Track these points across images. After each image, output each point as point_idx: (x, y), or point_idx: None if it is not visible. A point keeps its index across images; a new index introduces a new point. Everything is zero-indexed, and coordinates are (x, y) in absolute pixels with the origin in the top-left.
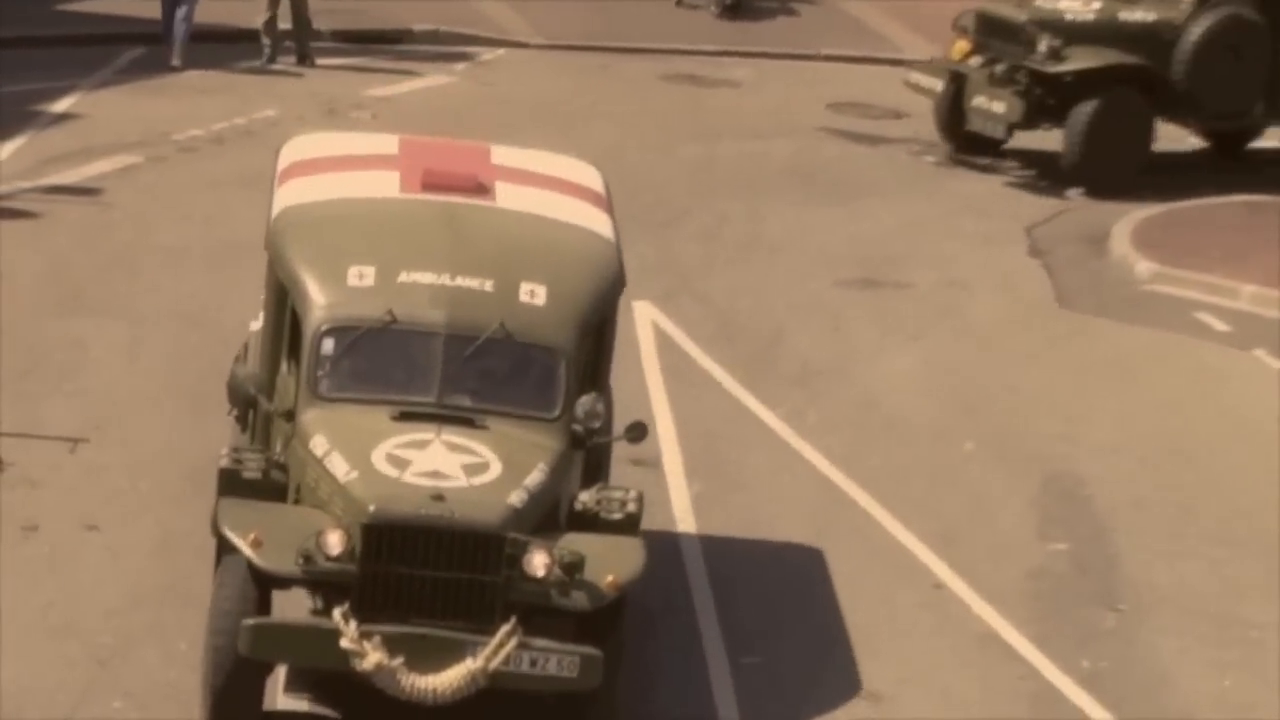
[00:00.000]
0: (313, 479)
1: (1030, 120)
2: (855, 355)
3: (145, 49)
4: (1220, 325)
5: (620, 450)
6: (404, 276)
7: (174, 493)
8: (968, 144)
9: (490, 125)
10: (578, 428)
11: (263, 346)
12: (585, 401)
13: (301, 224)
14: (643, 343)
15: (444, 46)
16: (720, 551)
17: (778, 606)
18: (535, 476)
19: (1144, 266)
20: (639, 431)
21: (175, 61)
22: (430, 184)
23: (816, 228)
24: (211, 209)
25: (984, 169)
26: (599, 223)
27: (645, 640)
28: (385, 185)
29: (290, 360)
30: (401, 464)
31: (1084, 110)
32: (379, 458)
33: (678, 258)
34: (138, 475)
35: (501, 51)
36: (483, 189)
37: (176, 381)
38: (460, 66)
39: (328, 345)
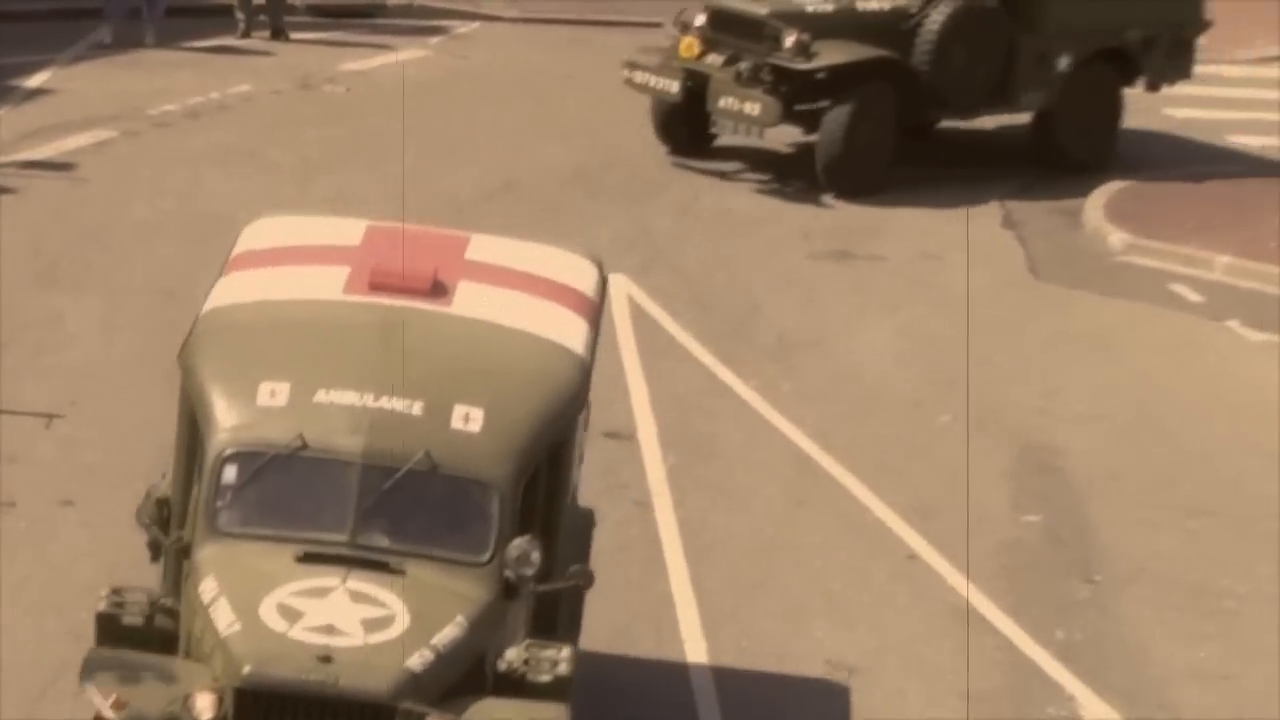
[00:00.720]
0: (199, 628)
1: (785, 120)
2: (830, 328)
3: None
4: (1194, 296)
5: (596, 423)
6: (321, 395)
7: (150, 467)
8: (687, 146)
9: (463, 99)
10: (509, 574)
11: (175, 472)
12: (518, 544)
13: (220, 330)
14: (618, 316)
15: (418, 20)
16: (694, 523)
17: (752, 577)
18: (448, 633)
19: (1118, 238)
20: (584, 579)
21: (150, 40)
22: (377, 285)
23: (790, 202)
24: (186, 183)
25: (957, 138)
26: (570, 333)
27: (616, 613)
28: (328, 285)
29: (197, 488)
30: (293, 616)
31: (841, 110)
32: (268, 608)
33: (653, 231)
34: (113, 450)
35: (476, 25)
36: (438, 291)
37: (152, 356)
38: (435, 40)
39: (229, 473)
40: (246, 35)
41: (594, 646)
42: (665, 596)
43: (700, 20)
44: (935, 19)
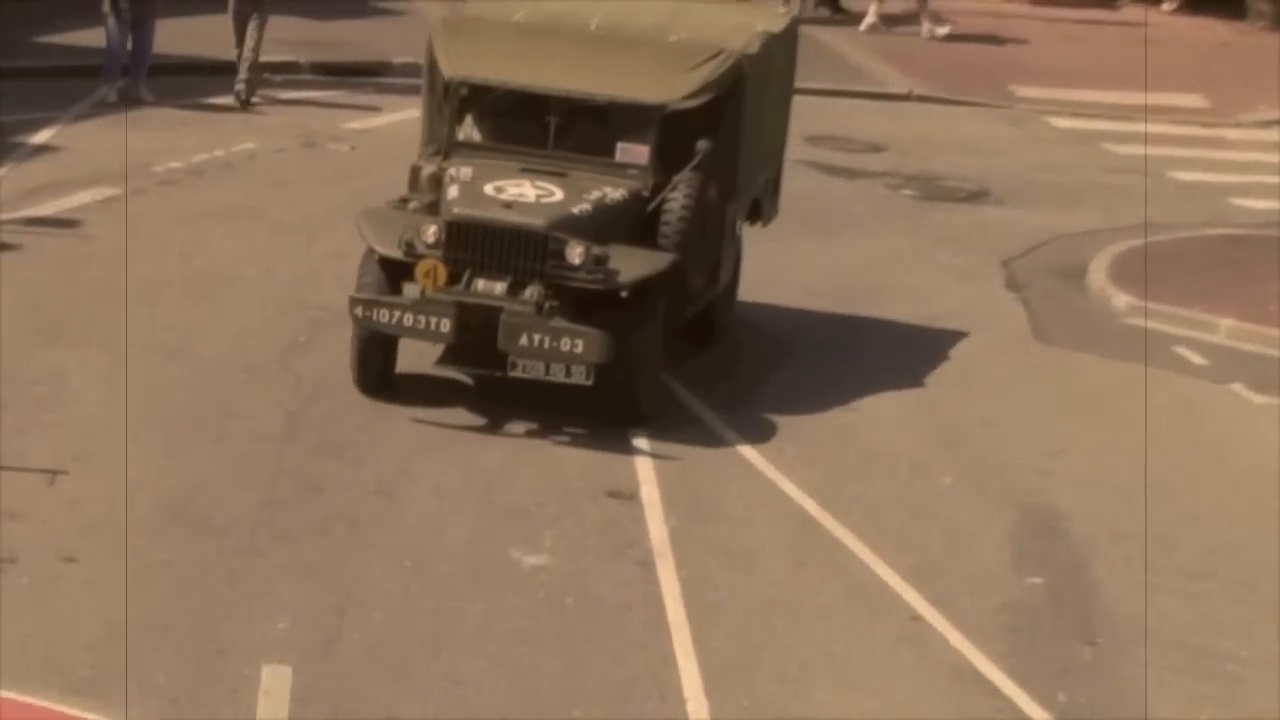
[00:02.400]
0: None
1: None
2: (832, 389)
3: (124, 81)
4: (1198, 359)
5: (596, 482)
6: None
7: (152, 525)
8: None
9: None
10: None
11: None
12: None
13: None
14: None
15: (422, 79)
16: (697, 584)
17: (754, 638)
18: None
19: (1121, 300)
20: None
21: (149, 96)
22: None
23: (794, 260)
24: (190, 241)
25: (962, 200)
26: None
27: (618, 673)
28: None
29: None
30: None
31: (650, 330)
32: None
33: None
34: (116, 507)
35: None
36: None
37: (155, 413)
38: None
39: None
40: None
41: (595, 706)
42: (668, 657)
43: (432, 236)
44: (678, 202)
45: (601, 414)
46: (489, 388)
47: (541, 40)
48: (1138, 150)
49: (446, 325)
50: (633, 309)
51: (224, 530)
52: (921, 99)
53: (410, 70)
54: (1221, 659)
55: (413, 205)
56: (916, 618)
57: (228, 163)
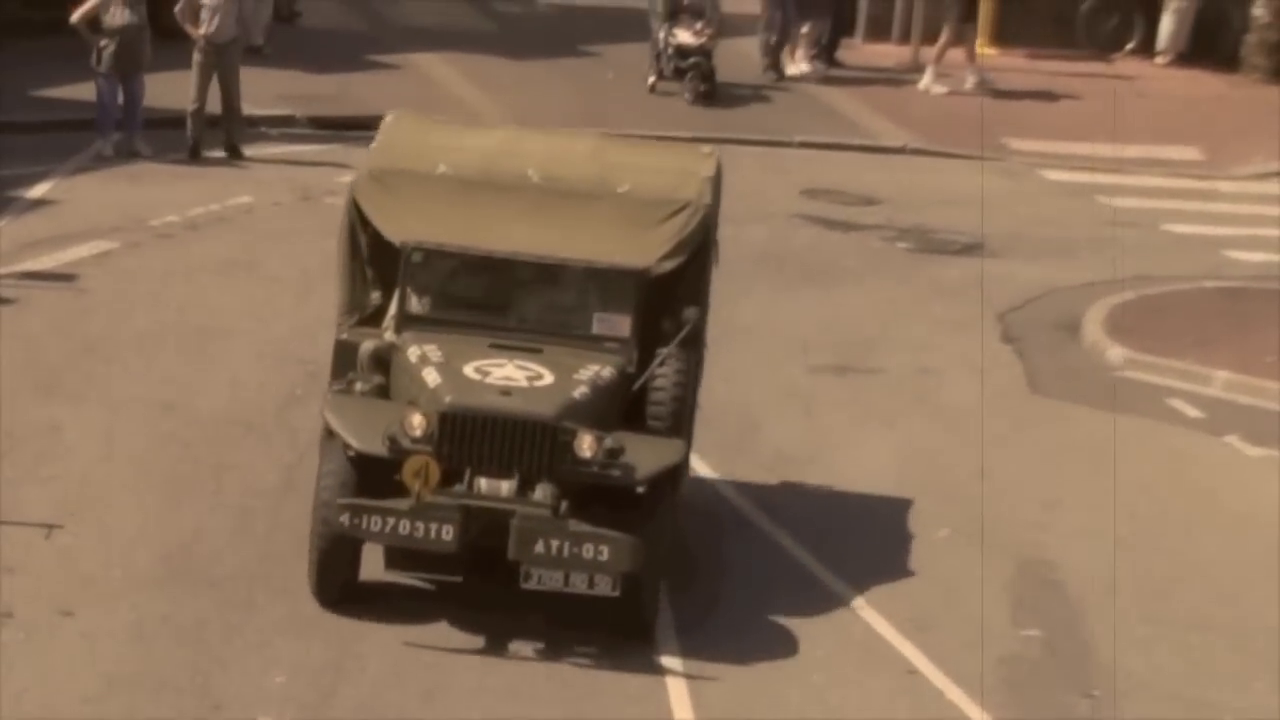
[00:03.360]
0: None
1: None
2: (829, 441)
3: (120, 134)
4: (1193, 412)
5: None
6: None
7: (149, 578)
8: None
9: None
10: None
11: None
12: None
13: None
14: None
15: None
16: (694, 637)
17: (751, 691)
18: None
19: (1116, 353)
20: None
21: (145, 149)
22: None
23: (789, 313)
24: (186, 295)
25: (957, 253)
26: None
27: None
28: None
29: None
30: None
31: (662, 521)
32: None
33: None
34: (112, 561)
35: None
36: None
37: (151, 467)
38: None
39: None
40: (196, 155)
41: None
42: (665, 711)
43: (420, 429)
44: (670, 379)
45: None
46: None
47: (482, 196)
48: (1132, 203)
49: (450, 532)
50: (644, 506)
51: (221, 584)
52: (916, 152)
53: None
54: (1217, 710)
55: (359, 388)
56: (913, 671)
57: (224, 216)
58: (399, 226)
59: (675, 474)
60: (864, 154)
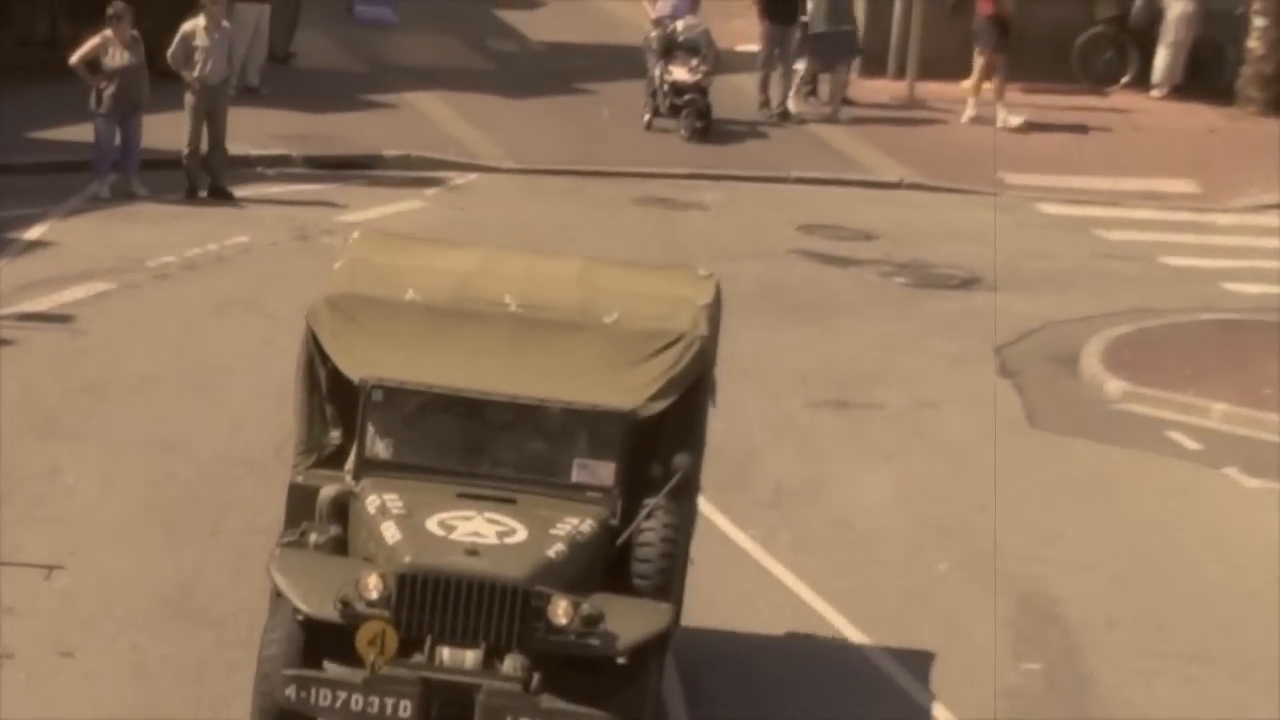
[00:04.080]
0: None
1: None
2: (828, 476)
3: (116, 175)
4: (1192, 444)
5: None
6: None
7: (149, 618)
8: None
9: None
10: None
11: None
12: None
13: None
14: None
15: (416, 172)
16: (695, 672)
17: None
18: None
19: (1114, 386)
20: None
21: (141, 190)
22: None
23: (788, 348)
24: (184, 335)
25: (955, 287)
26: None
27: None
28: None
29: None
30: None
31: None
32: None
33: None
34: (112, 601)
35: (473, 176)
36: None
37: (150, 507)
38: (431, 191)
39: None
40: (193, 196)
41: None
42: None
43: (376, 591)
44: (657, 534)
45: None
46: None
47: (454, 326)
48: (1129, 236)
49: (408, 709)
50: (624, 676)
51: (222, 623)
52: (912, 186)
53: (404, 163)
54: None
55: (314, 539)
56: (914, 704)
57: (221, 256)
58: (359, 361)
59: (662, 640)
60: (861, 189)
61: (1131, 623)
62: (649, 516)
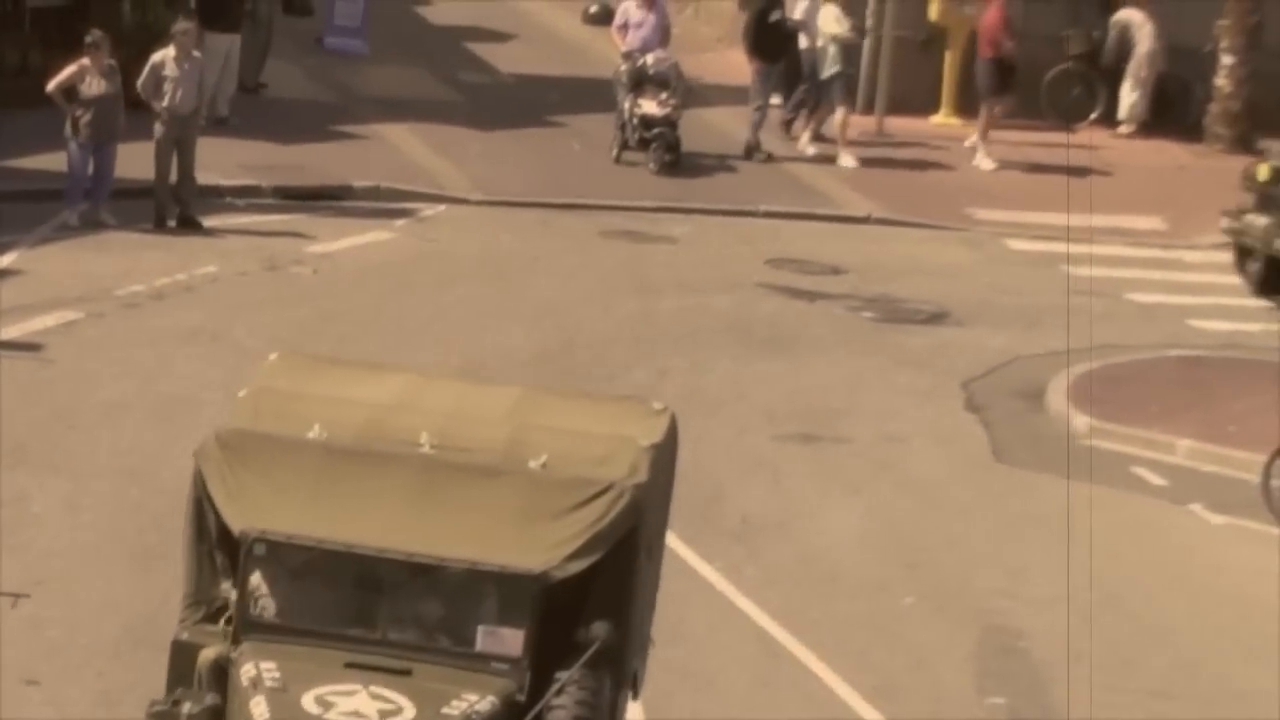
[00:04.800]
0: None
1: None
2: (794, 509)
3: (86, 204)
4: (1157, 480)
5: None
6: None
7: (115, 648)
8: None
9: (430, 282)
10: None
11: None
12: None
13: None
14: None
15: (385, 203)
16: (660, 705)
17: None
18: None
19: (1080, 422)
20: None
21: (110, 219)
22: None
23: (755, 382)
24: (152, 364)
25: (922, 322)
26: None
27: None
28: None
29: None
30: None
31: None
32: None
33: None
34: (78, 630)
35: (442, 207)
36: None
37: (117, 536)
38: (400, 223)
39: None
40: (162, 225)
41: None
42: None
43: None
44: (569, 712)
45: None
46: None
47: (358, 469)
48: (1096, 272)
49: None
50: None
51: None
52: (880, 221)
53: (373, 194)
54: None
55: (187, 710)
56: None
57: (190, 285)
58: (244, 509)
59: None
60: (829, 224)
61: (1095, 657)
62: (560, 693)
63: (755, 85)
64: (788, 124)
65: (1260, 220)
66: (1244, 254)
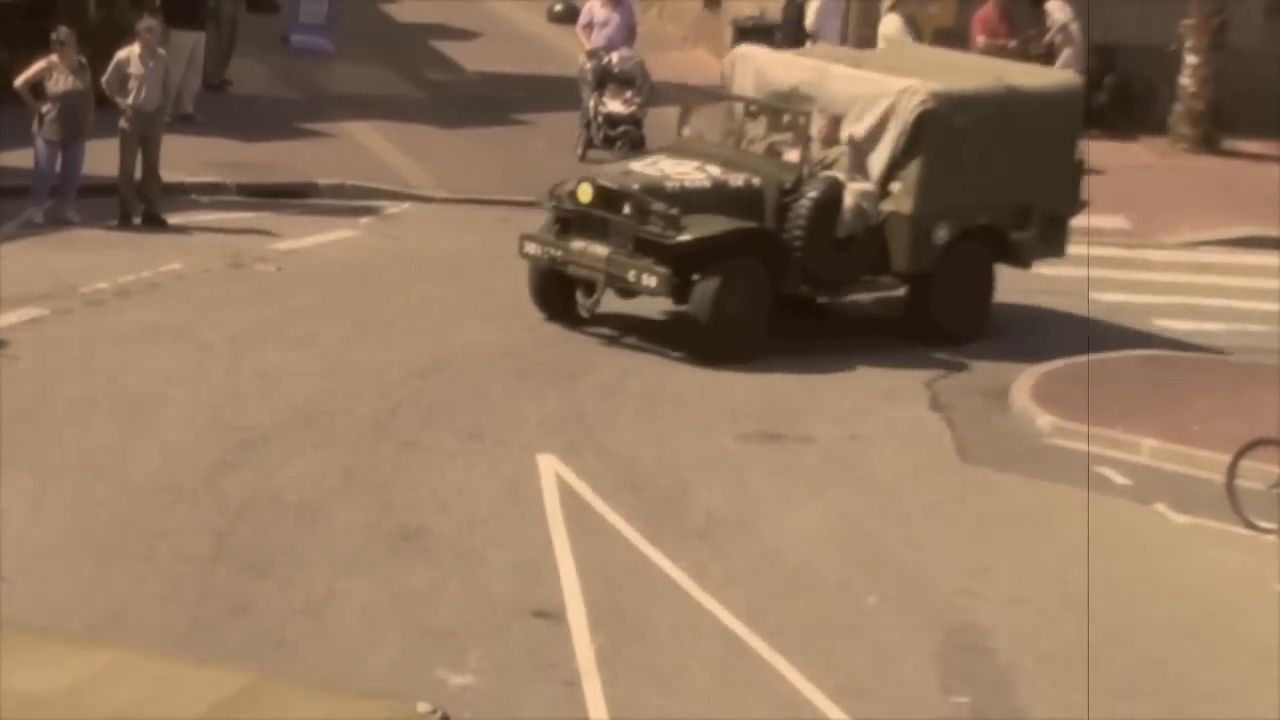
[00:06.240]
0: None
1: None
2: (758, 509)
3: (51, 202)
4: (1121, 479)
5: (522, 601)
6: None
7: None
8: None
9: (394, 279)
10: None
11: None
12: None
13: None
14: (546, 495)
15: (349, 200)
16: (624, 703)
17: None
18: None
19: (1045, 421)
20: None
21: (75, 217)
22: None
23: (718, 381)
24: (117, 362)
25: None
26: None
27: None
28: None
29: None
30: None
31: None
32: None
33: (581, 411)
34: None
35: (406, 205)
36: None
37: (82, 533)
38: (365, 220)
39: None
40: (127, 222)
41: None
42: None
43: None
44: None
45: None
46: (413, 498)
47: None
48: (1060, 271)
49: None
50: None
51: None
52: None
53: (338, 192)
54: None
55: None
56: None
57: (154, 283)
58: None
59: None
60: None
61: (1060, 657)
62: None
63: None
64: None
65: (580, 244)
66: (549, 279)
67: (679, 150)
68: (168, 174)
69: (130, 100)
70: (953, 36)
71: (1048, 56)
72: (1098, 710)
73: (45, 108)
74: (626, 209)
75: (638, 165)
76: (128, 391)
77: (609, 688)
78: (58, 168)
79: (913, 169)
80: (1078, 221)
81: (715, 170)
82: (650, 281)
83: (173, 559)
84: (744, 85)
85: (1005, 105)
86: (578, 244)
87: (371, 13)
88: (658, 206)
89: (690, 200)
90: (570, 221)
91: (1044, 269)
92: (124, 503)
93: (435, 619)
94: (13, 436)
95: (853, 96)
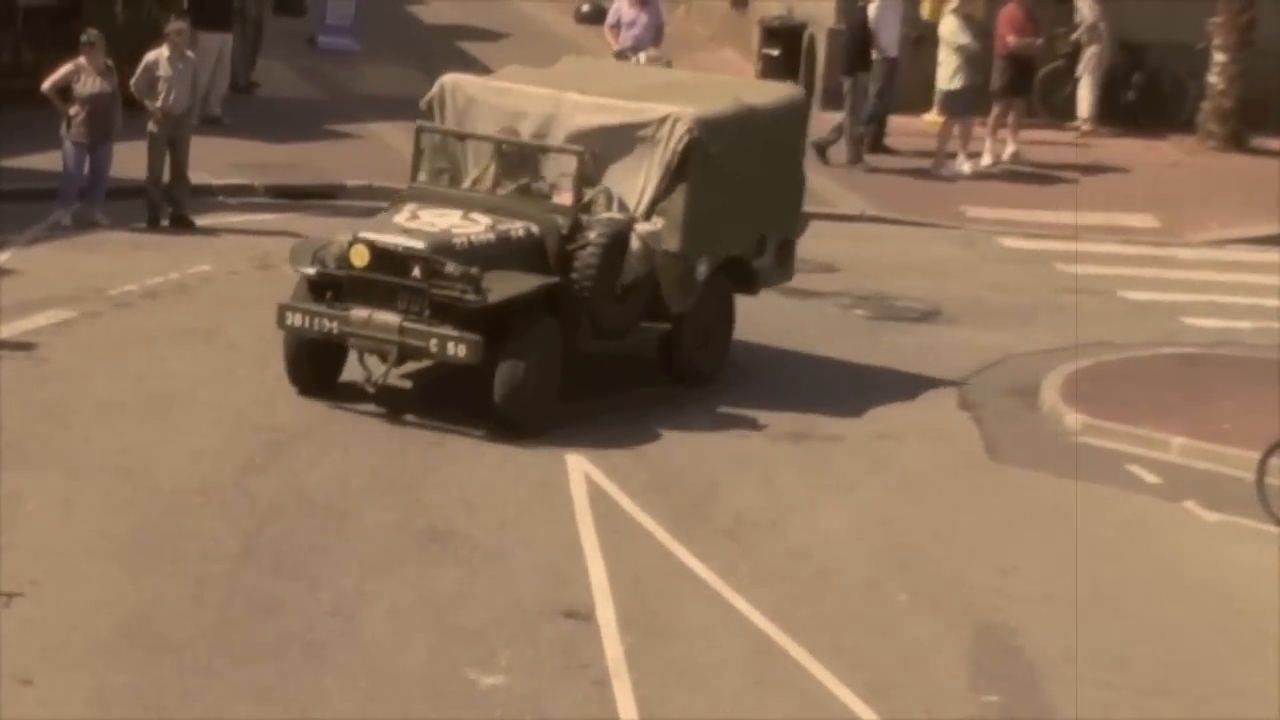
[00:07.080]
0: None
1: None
2: (787, 508)
3: (80, 204)
4: (1151, 477)
5: (552, 601)
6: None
7: (108, 646)
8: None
9: None
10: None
11: None
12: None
13: None
14: (575, 495)
15: (377, 201)
16: (653, 703)
17: None
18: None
19: (1074, 419)
20: None
21: (103, 219)
22: None
23: (747, 379)
24: (145, 363)
25: (915, 320)
26: None
27: None
28: None
29: None
30: (410, 219)
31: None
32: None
33: (610, 412)
34: (73, 629)
35: None
36: None
37: (110, 535)
38: None
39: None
40: (155, 224)
41: None
42: None
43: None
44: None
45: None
46: (442, 498)
47: None
48: (1090, 270)
49: None
50: None
51: (180, 651)
52: (873, 219)
53: (365, 193)
54: None
55: None
56: None
57: (183, 285)
58: None
59: None
60: (821, 221)
61: (1090, 655)
62: None
63: (852, 97)
64: (860, 140)
65: (361, 312)
66: (305, 349)
67: (426, 197)
68: (195, 176)
69: (159, 103)
70: (985, 35)
71: (1074, 54)
72: (1127, 708)
73: (73, 110)
74: (416, 271)
75: (402, 220)
76: (156, 393)
77: (638, 687)
78: (86, 170)
79: (678, 203)
80: (1103, 218)
81: (487, 220)
82: (459, 350)
83: (201, 560)
84: (454, 118)
85: (748, 128)
86: (359, 312)
87: (398, 14)
88: (451, 268)
89: (480, 256)
90: (341, 287)
91: (1072, 267)
92: (152, 504)
93: (464, 619)
94: (41, 438)
95: (599, 127)
